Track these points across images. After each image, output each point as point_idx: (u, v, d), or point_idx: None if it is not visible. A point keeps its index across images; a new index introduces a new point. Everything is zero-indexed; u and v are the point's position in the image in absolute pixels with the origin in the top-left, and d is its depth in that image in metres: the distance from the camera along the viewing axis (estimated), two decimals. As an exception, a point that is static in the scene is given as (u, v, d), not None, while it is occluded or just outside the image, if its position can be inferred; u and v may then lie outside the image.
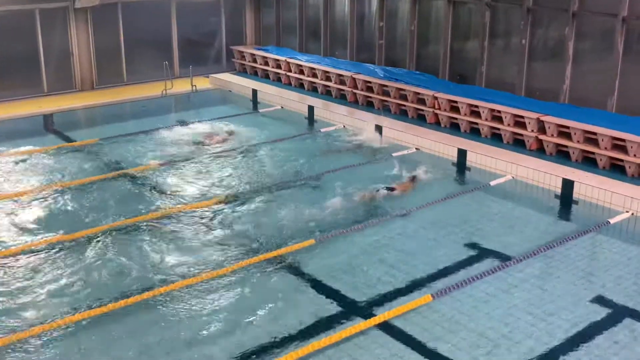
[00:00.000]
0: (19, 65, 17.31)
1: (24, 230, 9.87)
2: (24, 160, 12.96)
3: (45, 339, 7.28)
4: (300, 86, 18.23)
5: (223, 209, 10.55)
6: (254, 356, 6.98)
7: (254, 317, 7.65)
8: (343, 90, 16.92)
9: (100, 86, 18.52)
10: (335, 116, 15.49)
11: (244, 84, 18.40)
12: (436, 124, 14.69)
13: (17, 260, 8.93)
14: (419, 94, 15.08)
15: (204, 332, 7.40)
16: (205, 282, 8.34)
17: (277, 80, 18.98)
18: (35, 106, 16.64)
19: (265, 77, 19.42)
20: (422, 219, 10.35)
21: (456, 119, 14.33)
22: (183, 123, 15.55)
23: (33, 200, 10.95)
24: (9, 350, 7.07)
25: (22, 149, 13.59)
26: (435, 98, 14.66)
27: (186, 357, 7.01)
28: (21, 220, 10.19)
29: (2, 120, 15.59)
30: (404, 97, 15.49)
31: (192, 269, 8.70)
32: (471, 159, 12.55)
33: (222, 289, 8.25)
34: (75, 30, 17.92)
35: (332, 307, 7.91)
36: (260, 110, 16.91)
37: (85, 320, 7.56)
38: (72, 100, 17.33)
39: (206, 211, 10.45)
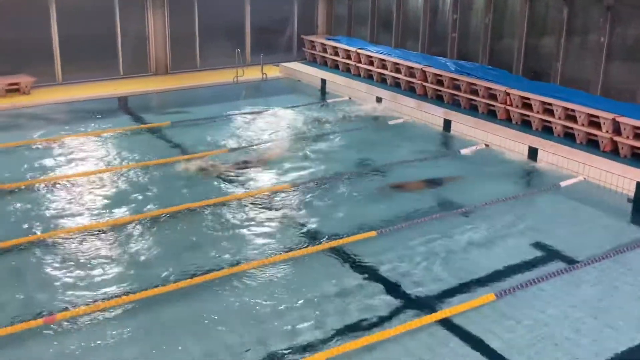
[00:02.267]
0: (97, 47, 17.84)
1: (98, 208, 10.21)
2: (101, 140, 13.41)
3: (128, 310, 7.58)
4: (369, 77, 18.19)
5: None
6: (307, 347, 7.02)
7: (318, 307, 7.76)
8: (412, 82, 16.79)
9: (174, 71, 18.92)
10: (403, 108, 15.41)
11: (313, 74, 18.49)
12: (507, 121, 14.42)
13: (98, 235, 9.28)
14: (490, 89, 14.84)
15: (260, 319, 7.54)
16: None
17: (347, 71, 18.98)
18: (111, 88, 17.14)
19: (335, 67, 19.45)
20: (488, 216, 10.21)
21: (528, 116, 14.04)
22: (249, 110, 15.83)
23: (109, 178, 11.31)
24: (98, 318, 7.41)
25: (99, 129, 14.06)
26: (508, 94, 14.39)
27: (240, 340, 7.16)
28: (94, 198, 10.54)
29: (80, 100, 16.11)
30: (475, 92, 15.27)
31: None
32: (542, 158, 12.29)
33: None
34: (152, 15, 18.35)
35: (391, 301, 7.91)
36: (328, 101, 16.98)
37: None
38: (147, 83, 17.79)
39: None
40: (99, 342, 7.03)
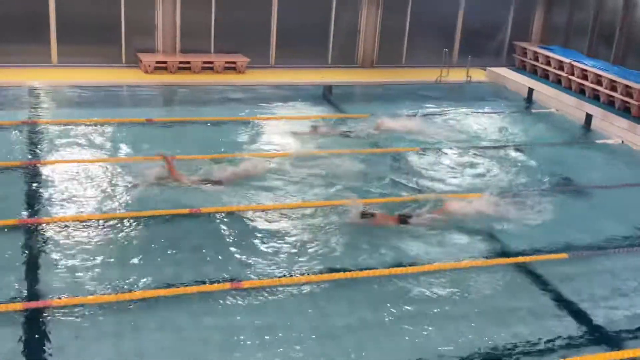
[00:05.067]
0: (310, 36, 18.56)
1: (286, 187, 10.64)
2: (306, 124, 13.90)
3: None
4: (580, 92, 17.22)
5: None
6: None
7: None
8: (628, 103, 15.65)
9: (379, 65, 19.19)
10: (614, 129, 14.45)
11: (520, 81, 17.89)
12: None
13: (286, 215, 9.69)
14: None
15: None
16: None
17: (557, 82, 18.12)
18: (317, 76, 17.76)
19: (545, 77, 18.65)
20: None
21: None
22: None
23: (304, 162, 11.72)
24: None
25: (302, 114, 14.65)
26: None
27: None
28: (286, 179, 10.94)
29: (288, 85, 16.83)
30: (698, 120, 13.95)
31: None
32: None
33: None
34: (366, 9, 18.71)
35: (575, 329, 7.49)
36: (532, 111, 16.37)
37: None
38: (352, 75, 18.22)
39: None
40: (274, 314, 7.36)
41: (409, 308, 7.60)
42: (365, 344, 6.93)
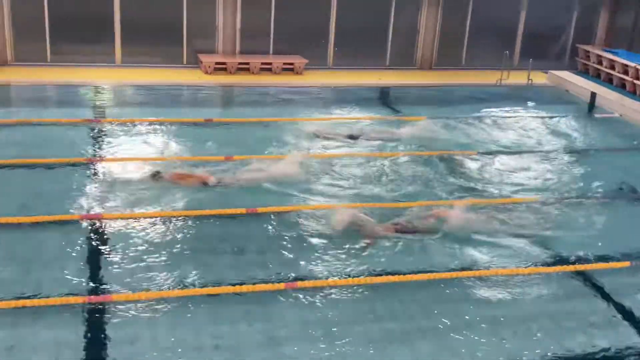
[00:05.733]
0: (369, 37, 18.55)
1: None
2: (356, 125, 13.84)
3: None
4: (646, 96, 16.79)
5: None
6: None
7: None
8: (697, 108, 15.18)
9: (437, 67, 19.03)
10: (682, 135, 14.04)
11: (583, 85, 17.46)
12: None
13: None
14: None
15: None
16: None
17: (621, 87, 17.67)
18: (375, 77, 17.74)
19: (609, 81, 18.21)
20: None
21: None
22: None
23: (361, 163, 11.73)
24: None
25: (359, 115, 14.65)
26: None
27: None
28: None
29: (345, 86, 16.87)
30: None
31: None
32: None
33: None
34: (426, 10, 18.59)
35: (635, 338, 7.29)
36: (595, 115, 15.98)
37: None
38: (410, 76, 18.13)
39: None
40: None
41: (465, 314, 7.53)
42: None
